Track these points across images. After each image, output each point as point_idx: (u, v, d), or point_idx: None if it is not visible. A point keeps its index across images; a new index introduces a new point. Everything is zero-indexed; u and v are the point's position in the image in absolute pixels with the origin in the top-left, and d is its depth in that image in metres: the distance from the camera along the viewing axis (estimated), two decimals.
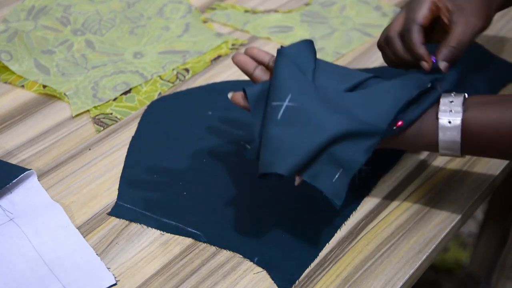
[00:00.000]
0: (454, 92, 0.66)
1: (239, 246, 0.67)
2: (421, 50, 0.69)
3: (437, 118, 0.65)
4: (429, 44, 0.71)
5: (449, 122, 0.64)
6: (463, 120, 0.64)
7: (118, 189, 0.73)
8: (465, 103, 0.65)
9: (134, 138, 0.79)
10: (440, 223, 0.70)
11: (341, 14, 0.99)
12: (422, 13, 0.69)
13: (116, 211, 0.71)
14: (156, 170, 0.75)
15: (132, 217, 0.70)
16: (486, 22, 0.72)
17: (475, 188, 0.74)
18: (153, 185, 0.73)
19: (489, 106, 0.64)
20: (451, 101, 0.65)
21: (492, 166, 0.76)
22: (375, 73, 0.88)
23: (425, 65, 0.69)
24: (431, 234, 0.69)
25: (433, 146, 0.66)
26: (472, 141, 0.64)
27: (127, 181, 0.74)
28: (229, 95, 0.69)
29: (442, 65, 0.69)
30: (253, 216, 0.70)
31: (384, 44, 0.73)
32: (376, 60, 0.91)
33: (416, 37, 0.69)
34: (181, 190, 0.73)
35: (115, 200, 0.72)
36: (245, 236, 0.68)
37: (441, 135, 0.65)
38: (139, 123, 0.81)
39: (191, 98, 0.84)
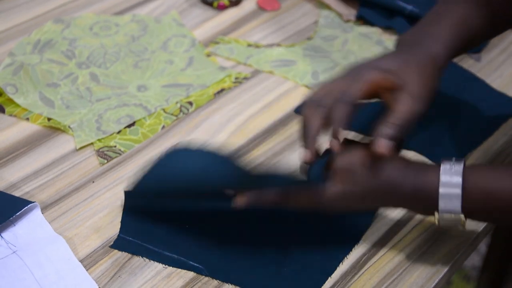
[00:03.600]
0: (454, 158, 0.65)
1: (241, 280, 0.67)
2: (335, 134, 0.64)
3: (437, 176, 0.63)
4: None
5: (451, 178, 0.63)
6: (463, 181, 0.62)
7: (121, 222, 0.73)
8: (464, 168, 0.63)
9: (138, 172, 0.78)
10: (443, 257, 0.70)
11: (343, 48, 1.00)
12: (355, 91, 0.65)
13: (118, 244, 0.71)
14: (159, 204, 0.75)
15: (134, 250, 0.70)
16: (427, 104, 0.67)
17: (477, 223, 0.74)
18: (155, 218, 0.73)
19: (489, 171, 0.64)
20: (451, 166, 0.64)
21: None
22: (376, 107, 0.88)
23: (305, 155, 0.65)
24: (434, 268, 0.69)
25: (433, 206, 0.64)
26: (474, 200, 0.63)
27: (130, 214, 0.74)
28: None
29: (382, 143, 0.63)
30: (256, 250, 0.70)
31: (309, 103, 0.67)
32: None
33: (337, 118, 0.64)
34: (183, 223, 0.73)
35: (113, 243, 0.72)
36: (247, 270, 0.68)
37: (442, 190, 0.63)
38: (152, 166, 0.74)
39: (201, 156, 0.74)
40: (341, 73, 0.69)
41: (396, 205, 0.68)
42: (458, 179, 0.62)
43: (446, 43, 0.70)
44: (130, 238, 0.71)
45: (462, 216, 0.63)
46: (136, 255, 0.70)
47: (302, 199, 0.67)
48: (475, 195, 0.63)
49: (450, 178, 0.63)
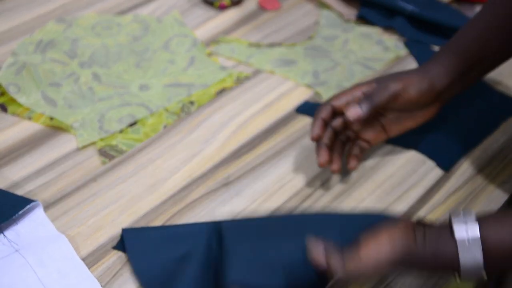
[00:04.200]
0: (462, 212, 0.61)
1: None
2: (316, 122, 0.75)
3: (452, 234, 0.59)
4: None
5: (467, 234, 0.59)
6: (481, 232, 0.59)
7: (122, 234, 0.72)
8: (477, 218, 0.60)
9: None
10: None
11: (344, 48, 1.00)
12: (337, 100, 0.75)
13: (121, 245, 0.71)
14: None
15: None
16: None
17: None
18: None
19: (504, 219, 0.60)
20: (463, 216, 0.60)
21: (494, 199, 0.77)
22: None
23: (313, 133, 0.75)
24: None
25: (454, 264, 0.59)
26: (495, 250, 0.59)
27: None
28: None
29: (352, 111, 0.73)
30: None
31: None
32: None
33: (320, 112, 0.75)
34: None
35: (120, 232, 0.72)
36: None
37: (461, 248, 0.59)
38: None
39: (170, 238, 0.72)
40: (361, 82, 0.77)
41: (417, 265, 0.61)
42: (477, 244, 0.59)
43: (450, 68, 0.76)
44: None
45: (484, 273, 0.59)
46: None
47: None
48: (496, 253, 0.59)
49: (468, 245, 0.59)
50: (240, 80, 0.94)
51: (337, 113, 0.76)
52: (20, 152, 0.82)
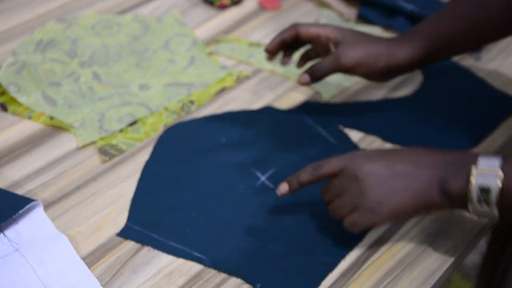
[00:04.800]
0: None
1: (242, 271, 0.68)
2: (275, 38, 0.83)
3: (475, 164, 0.62)
4: None
5: (488, 163, 0.62)
6: (502, 166, 0.61)
7: (129, 211, 0.74)
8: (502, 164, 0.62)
9: (148, 162, 0.80)
10: (443, 255, 0.70)
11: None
12: (305, 28, 0.81)
13: (125, 232, 0.72)
14: (168, 195, 0.76)
15: (140, 239, 0.71)
16: (355, 66, 0.80)
17: (477, 221, 0.74)
18: (163, 209, 0.74)
19: None
20: (488, 159, 0.63)
21: None
22: (378, 106, 0.89)
23: (268, 45, 0.83)
24: (434, 266, 0.69)
25: (463, 197, 0.63)
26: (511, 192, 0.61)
27: (138, 204, 0.75)
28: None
29: (303, 77, 0.82)
30: (258, 242, 0.71)
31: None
32: (379, 93, 0.92)
33: (284, 31, 0.82)
34: (190, 215, 0.73)
35: (120, 231, 0.72)
36: (249, 262, 0.69)
37: (477, 179, 0.61)
38: (154, 148, 0.82)
39: (205, 125, 0.85)
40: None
41: (430, 166, 0.65)
42: (497, 162, 0.62)
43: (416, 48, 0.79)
44: (137, 228, 0.72)
45: (496, 208, 0.61)
46: (142, 244, 0.70)
47: (333, 166, 0.68)
48: None
49: (488, 160, 0.62)
50: (240, 80, 0.94)
51: (300, 39, 0.83)
52: (20, 152, 0.82)
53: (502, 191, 0.61)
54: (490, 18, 0.79)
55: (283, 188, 0.71)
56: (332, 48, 0.81)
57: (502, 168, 0.61)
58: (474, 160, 0.62)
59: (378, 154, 0.68)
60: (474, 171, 0.62)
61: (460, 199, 0.63)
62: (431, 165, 0.65)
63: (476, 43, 0.84)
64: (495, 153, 0.82)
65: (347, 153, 0.69)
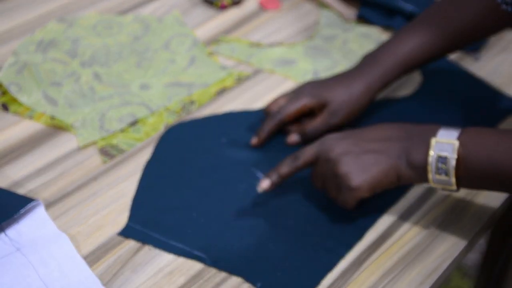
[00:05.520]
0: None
1: (242, 270, 0.68)
2: (262, 133, 0.82)
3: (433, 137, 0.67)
4: None
5: (446, 134, 0.66)
6: (459, 139, 0.65)
7: (130, 211, 0.74)
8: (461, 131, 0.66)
9: (149, 162, 0.80)
10: (442, 254, 0.71)
11: (343, 47, 1.01)
12: (286, 113, 0.82)
13: (126, 232, 0.72)
14: (168, 194, 0.76)
15: (141, 238, 0.72)
16: (345, 118, 0.82)
17: (476, 220, 0.74)
18: (164, 208, 0.75)
19: (485, 134, 0.66)
20: (450, 127, 0.67)
21: (492, 199, 0.77)
22: (377, 107, 0.89)
23: (252, 140, 0.82)
24: (434, 265, 0.70)
25: (424, 168, 0.67)
26: (468, 162, 0.65)
27: (139, 203, 0.75)
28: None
29: (292, 137, 0.83)
30: (259, 241, 0.71)
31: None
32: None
33: (268, 123, 0.82)
34: (190, 214, 0.74)
35: (121, 230, 0.73)
36: (249, 261, 0.69)
37: (436, 150, 0.66)
38: (156, 148, 0.82)
39: (206, 125, 0.86)
40: (292, 89, 0.86)
41: (396, 139, 0.69)
42: (456, 133, 0.66)
43: (387, 71, 0.82)
44: (138, 227, 0.72)
45: (453, 177, 0.65)
46: (143, 243, 0.71)
47: (308, 155, 0.72)
48: (469, 162, 0.65)
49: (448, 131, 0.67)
50: (241, 80, 0.94)
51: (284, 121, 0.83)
52: (21, 151, 0.82)
53: (458, 160, 0.65)
54: (466, 30, 0.82)
55: (265, 183, 0.73)
56: (317, 112, 0.82)
57: (459, 139, 0.65)
58: (435, 132, 0.67)
59: (347, 134, 0.72)
60: (433, 142, 0.66)
61: (421, 169, 0.67)
62: (397, 138, 0.69)
63: (451, 51, 0.86)
64: None
65: (318, 139, 0.73)
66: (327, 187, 0.72)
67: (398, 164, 0.68)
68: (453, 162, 0.65)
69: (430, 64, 0.85)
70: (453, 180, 0.66)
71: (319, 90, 0.82)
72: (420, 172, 0.67)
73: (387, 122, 0.72)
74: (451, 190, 0.67)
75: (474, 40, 0.86)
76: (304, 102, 0.82)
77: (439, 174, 0.66)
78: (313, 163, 0.72)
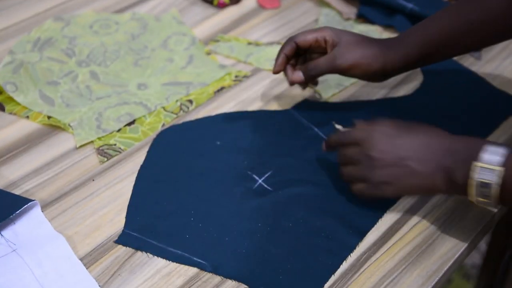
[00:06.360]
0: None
1: (244, 276, 0.67)
2: (279, 58, 0.82)
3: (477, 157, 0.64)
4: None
5: (490, 162, 0.64)
6: (505, 165, 0.63)
7: (126, 217, 0.73)
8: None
9: (142, 167, 0.79)
10: (443, 256, 0.70)
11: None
12: (302, 37, 0.82)
13: (123, 239, 0.71)
14: (164, 199, 0.75)
15: (139, 246, 0.70)
16: (351, 67, 0.80)
17: (478, 221, 0.74)
18: (160, 214, 0.74)
19: None
20: (496, 144, 0.65)
21: None
22: (377, 106, 0.89)
23: (275, 68, 0.83)
24: (434, 266, 0.69)
25: (464, 189, 0.65)
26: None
27: (134, 209, 0.74)
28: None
29: (293, 76, 0.83)
30: (259, 245, 0.70)
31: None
32: (379, 92, 0.91)
33: (284, 48, 0.82)
34: (187, 219, 0.73)
35: (118, 231, 0.72)
36: (250, 265, 0.68)
37: (479, 175, 0.63)
38: (148, 152, 0.81)
39: (199, 127, 0.85)
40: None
41: (439, 152, 0.68)
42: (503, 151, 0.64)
43: (408, 49, 0.80)
44: (135, 234, 0.71)
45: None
46: (141, 250, 0.70)
47: (354, 137, 0.72)
48: None
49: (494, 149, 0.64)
50: (239, 79, 0.93)
51: (300, 48, 0.83)
52: (17, 151, 0.81)
53: (502, 185, 0.63)
54: (490, 23, 0.79)
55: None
56: (329, 49, 0.81)
57: (505, 163, 0.63)
58: (479, 150, 0.64)
59: (394, 132, 0.71)
60: (475, 166, 0.64)
61: (463, 189, 0.66)
62: (440, 152, 0.68)
63: (474, 45, 0.84)
64: None
65: (368, 124, 0.73)
66: (351, 171, 0.72)
67: (435, 180, 0.67)
68: (496, 189, 0.63)
69: (454, 56, 0.85)
70: (495, 203, 0.65)
71: (340, 32, 0.82)
72: (459, 191, 0.66)
73: (434, 128, 0.71)
74: (492, 208, 0.67)
75: (498, 38, 0.83)
76: (323, 33, 0.81)
77: (481, 197, 0.65)
78: (355, 143, 0.72)
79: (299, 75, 0.82)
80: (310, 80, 0.83)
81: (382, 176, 0.69)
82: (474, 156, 0.64)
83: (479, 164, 0.64)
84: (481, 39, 0.82)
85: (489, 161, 0.63)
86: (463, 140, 0.68)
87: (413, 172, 0.68)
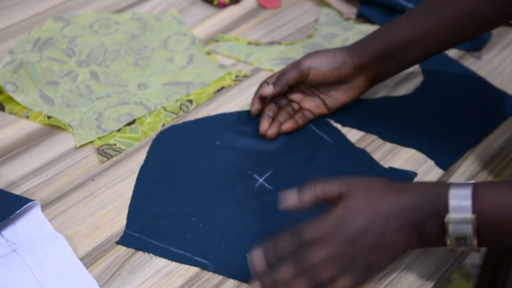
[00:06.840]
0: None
1: (245, 275, 0.67)
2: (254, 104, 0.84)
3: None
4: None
5: (460, 198, 0.60)
6: (476, 212, 0.60)
7: (127, 218, 0.73)
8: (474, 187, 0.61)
9: (143, 167, 0.79)
10: (443, 256, 0.70)
11: (343, 46, 1.00)
12: (286, 79, 0.82)
13: (125, 240, 0.71)
14: (165, 200, 0.75)
15: (140, 246, 0.70)
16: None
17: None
18: (161, 214, 0.74)
19: (500, 194, 0.61)
20: (461, 185, 0.61)
21: None
22: (377, 105, 0.89)
23: (252, 108, 0.85)
24: (434, 266, 0.69)
25: (442, 242, 0.62)
26: (488, 232, 0.60)
27: (136, 210, 0.74)
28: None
29: (265, 89, 0.83)
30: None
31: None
32: (379, 91, 0.91)
33: (261, 90, 0.83)
34: (189, 219, 0.73)
35: (119, 231, 0.72)
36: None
37: (454, 231, 0.60)
38: (148, 152, 0.81)
39: (199, 127, 0.85)
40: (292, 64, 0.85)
41: (407, 218, 0.62)
42: (468, 195, 0.60)
43: (374, 47, 0.82)
44: (136, 234, 0.71)
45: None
46: (143, 251, 0.70)
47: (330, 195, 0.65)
48: (489, 218, 0.60)
49: (461, 199, 0.61)
50: (239, 79, 0.93)
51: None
52: (17, 151, 0.81)
53: (477, 230, 0.60)
54: (454, 26, 0.79)
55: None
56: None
57: (474, 208, 0.59)
58: (444, 200, 0.60)
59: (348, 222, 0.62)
60: (447, 221, 0.60)
61: (439, 243, 0.62)
62: (408, 212, 0.61)
63: (444, 44, 0.82)
64: (495, 153, 0.82)
65: (344, 181, 0.65)
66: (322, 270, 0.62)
67: (411, 243, 0.62)
68: (472, 236, 0.60)
69: (427, 57, 0.82)
70: (475, 247, 0.62)
71: (310, 54, 0.84)
72: (437, 244, 0.63)
73: (392, 187, 0.63)
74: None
75: (472, 33, 0.82)
76: (302, 65, 0.82)
77: (460, 247, 0.61)
78: (331, 200, 0.65)
79: (269, 88, 0.83)
80: (280, 91, 0.83)
81: (361, 265, 0.61)
82: (442, 209, 0.60)
83: (450, 217, 0.60)
84: (456, 38, 0.81)
85: (458, 209, 0.60)
86: (425, 192, 0.62)
87: (387, 252, 0.62)
